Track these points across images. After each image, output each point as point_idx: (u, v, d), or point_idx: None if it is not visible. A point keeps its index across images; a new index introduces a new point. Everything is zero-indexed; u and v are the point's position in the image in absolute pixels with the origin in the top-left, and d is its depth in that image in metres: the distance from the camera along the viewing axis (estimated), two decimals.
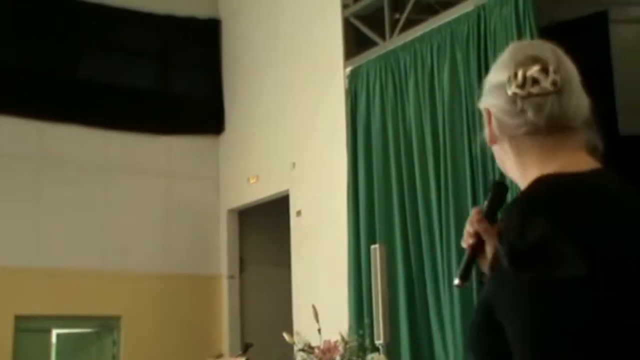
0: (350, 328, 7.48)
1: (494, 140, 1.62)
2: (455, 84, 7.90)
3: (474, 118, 7.73)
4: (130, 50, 10.91)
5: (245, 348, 8.05)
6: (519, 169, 1.61)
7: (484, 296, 1.44)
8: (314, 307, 6.60)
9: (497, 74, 1.58)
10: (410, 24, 8.58)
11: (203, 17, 11.39)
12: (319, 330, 6.46)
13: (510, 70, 1.53)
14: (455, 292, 7.57)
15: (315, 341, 6.46)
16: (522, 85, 1.53)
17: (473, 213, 1.61)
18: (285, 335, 6.55)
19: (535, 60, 1.54)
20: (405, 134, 8.34)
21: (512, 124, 1.56)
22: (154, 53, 11.20)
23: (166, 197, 10.88)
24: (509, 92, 1.52)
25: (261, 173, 10.51)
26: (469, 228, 1.60)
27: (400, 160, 8.35)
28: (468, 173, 7.69)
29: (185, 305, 10.63)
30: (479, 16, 7.67)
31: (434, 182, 8.00)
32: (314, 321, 6.49)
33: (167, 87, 11.12)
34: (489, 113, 1.60)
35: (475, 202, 7.58)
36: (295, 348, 6.49)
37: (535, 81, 1.53)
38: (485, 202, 1.68)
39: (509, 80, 1.53)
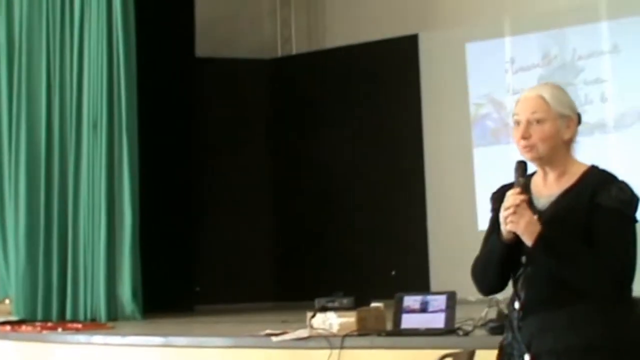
0: None
1: (568, 135, 2.59)
2: None
3: (54, 20, 7.49)
4: None
5: None
6: (566, 153, 2.60)
7: (580, 217, 2.49)
8: None
9: (574, 104, 2.61)
10: None
11: None
12: None
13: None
14: (22, 198, 7.37)
15: None
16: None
17: (514, 192, 2.53)
18: None
19: None
20: None
21: (576, 134, 2.61)
22: None
23: None
24: (580, 119, 2.62)
25: None
26: (513, 201, 2.51)
27: None
28: (44, 75, 7.48)
29: None
30: None
31: (5, 82, 7.64)
32: None
33: None
34: (574, 122, 2.60)
35: (49, 107, 7.41)
36: None
37: None
38: (520, 180, 2.58)
39: (579, 112, 2.62)
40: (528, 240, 2.46)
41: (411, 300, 4.40)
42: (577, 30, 7.81)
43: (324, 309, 4.53)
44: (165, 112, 8.17)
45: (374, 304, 4.68)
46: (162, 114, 8.10)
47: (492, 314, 4.42)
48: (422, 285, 7.53)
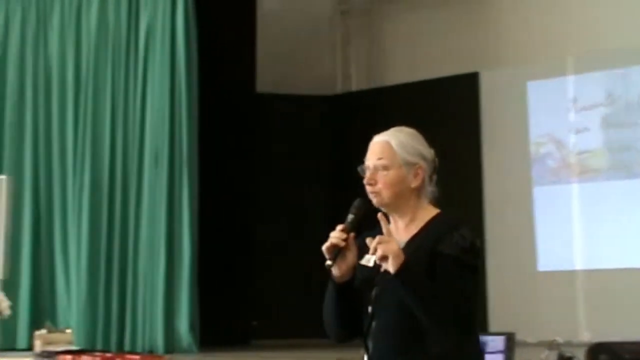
0: None
1: (416, 183, 2.54)
2: (103, 21, 7.77)
3: (119, 57, 7.68)
4: None
5: None
6: (415, 201, 2.55)
7: (421, 263, 2.40)
8: None
9: (427, 151, 2.61)
10: None
11: None
12: None
13: (432, 152, 2.61)
14: (84, 230, 7.50)
15: None
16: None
17: (338, 229, 2.48)
18: None
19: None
20: (46, 64, 7.99)
21: (427, 180, 2.56)
22: None
23: None
24: (434, 165, 2.59)
25: None
26: (335, 235, 2.47)
27: (37, 91, 7.99)
28: (108, 112, 7.62)
29: None
30: None
31: (71, 117, 7.80)
32: None
33: None
34: (422, 169, 2.55)
35: (113, 143, 7.57)
36: None
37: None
38: (351, 217, 2.52)
39: (434, 159, 2.60)
40: (393, 267, 2.35)
41: None
42: None
43: None
44: (226, 147, 8.26)
45: None
46: (223, 149, 8.19)
47: (553, 357, 4.34)
48: (480, 326, 7.42)
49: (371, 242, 2.39)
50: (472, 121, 8.41)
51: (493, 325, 7.56)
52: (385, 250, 2.35)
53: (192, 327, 7.13)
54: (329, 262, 2.45)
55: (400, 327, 2.41)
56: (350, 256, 2.50)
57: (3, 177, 7.12)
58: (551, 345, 4.31)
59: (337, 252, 2.47)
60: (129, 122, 7.56)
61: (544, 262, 7.82)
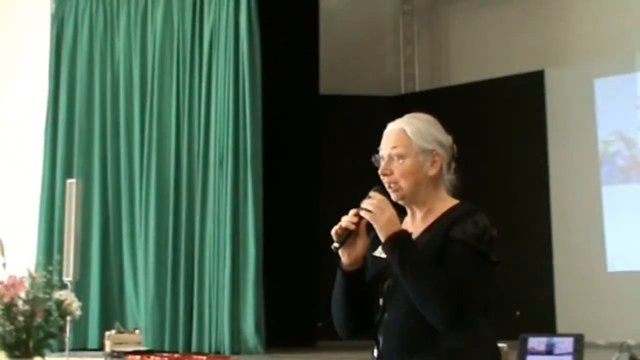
0: (38, 264, 7.25)
1: (433, 171, 2.44)
2: (168, 24, 7.88)
3: (184, 60, 7.78)
4: None
5: None
6: (433, 190, 2.45)
7: (434, 250, 2.33)
8: None
9: (444, 138, 2.49)
10: None
11: None
12: (4, 265, 6.19)
13: (449, 139, 2.50)
14: (151, 233, 7.61)
15: (0, 276, 6.19)
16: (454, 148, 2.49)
17: (351, 213, 2.46)
18: None
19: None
20: (113, 68, 8.16)
21: (445, 168, 2.46)
22: None
23: None
24: (452, 152, 2.49)
25: None
26: (347, 219, 2.45)
27: (105, 95, 8.17)
28: (173, 114, 7.72)
29: None
30: None
31: (138, 120, 7.93)
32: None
33: None
34: (440, 156, 2.45)
35: (178, 145, 7.67)
36: None
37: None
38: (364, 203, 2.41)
39: (452, 146, 2.49)
40: (383, 236, 2.34)
41: (536, 342, 4.28)
42: None
43: None
44: (289, 148, 8.29)
45: (499, 345, 4.57)
46: (287, 151, 8.23)
47: (624, 359, 4.25)
48: (548, 327, 7.31)
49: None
50: (538, 120, 8.29)
51: (561, 327, 7.45)
52: (377, 214, 2.36)
53: (257, 328, 7.18)
54: (335, 245, 2.43)
55: (411, 320, 2.33)
56: (360, 244, 2.45)
57: (73, 180, 7.28)
58: (622, 347, 4.23)
59: (347, 236, 2.42)
60: (194, 124, 7.65)
61: (614, 262, 7.66)
